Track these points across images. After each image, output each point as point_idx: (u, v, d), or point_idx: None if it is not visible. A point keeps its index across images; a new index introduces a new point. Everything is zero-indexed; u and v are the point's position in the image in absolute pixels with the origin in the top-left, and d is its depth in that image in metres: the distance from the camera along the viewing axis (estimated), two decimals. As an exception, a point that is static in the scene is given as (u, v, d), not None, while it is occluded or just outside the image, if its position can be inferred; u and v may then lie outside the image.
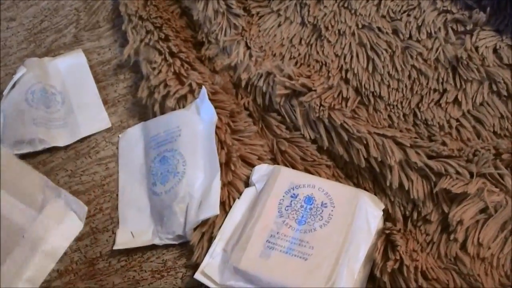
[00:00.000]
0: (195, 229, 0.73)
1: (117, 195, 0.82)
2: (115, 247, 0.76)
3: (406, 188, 0.69)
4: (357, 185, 0.75)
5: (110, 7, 1.04)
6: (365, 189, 0.74)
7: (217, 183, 0.74)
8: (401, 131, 0.74)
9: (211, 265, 0.69)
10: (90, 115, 0.92)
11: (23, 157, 0.87)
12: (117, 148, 0.87)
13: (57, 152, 0.88)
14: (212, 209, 0.73)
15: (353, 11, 0.84)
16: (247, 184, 0.76)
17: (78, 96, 0.94)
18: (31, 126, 0.88)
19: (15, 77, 0.92)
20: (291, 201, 0.71)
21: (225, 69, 0.88)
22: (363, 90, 0.78)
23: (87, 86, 0.95)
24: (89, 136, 0.89)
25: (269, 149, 0.80)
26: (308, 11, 0.87)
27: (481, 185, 0.65)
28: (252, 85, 0.84)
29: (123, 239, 0.77)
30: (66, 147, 0.88)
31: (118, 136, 0.88)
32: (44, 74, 0.94)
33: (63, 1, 1.07)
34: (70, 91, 0.94)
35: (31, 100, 0.90)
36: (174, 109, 0.84)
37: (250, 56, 0.85)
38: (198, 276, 0.69)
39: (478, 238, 0.64)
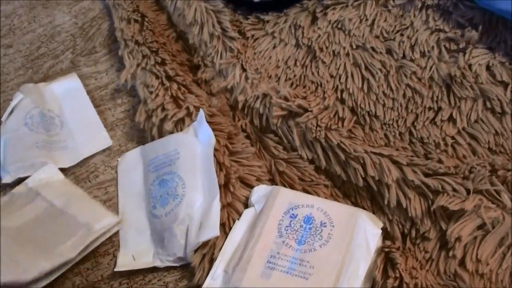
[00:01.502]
0: (196, 251, 0.74)
1: (117, 219, 0.83)
2: (116, 269, 0.76)
3: (404, 206, 0.70)
4: (355, 204, 0.76)
5: (106, 32, 1.05)
6: (363, 208, 0.74)
7: (216, 204, 0.75)
8: (397, 149, 0.75)
9: (212, 286, 0.69)
10: (90, 135, 0.92)
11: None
12: (116, 172, 0.87)
13: (57, 177, 0.88)
14: (212, 230, 0.73)
15: (346, 32, 0.85)
16: (246, 205, 0.76)
17: (77, 118, 0.95)
18: (33, 149, 0.88)
19: (12, 103, 0.92)
20: (291, 221, 0.71)
21: (221, 92, 0.89)
22: (359, 109, 0.79)
23: (84, 107, 0.96)
24: (88, 161, 0.89)
25: (267, 170, 0.81)
26: (302, 33, 0.87)
27: (478, 202, 0.66)
28: (249, 107, 0.85)
29: (124, 261, 0.77)
30: (65, 173, 0.88)
31: (117, 160, 0.88)
32: (40, 99, 0.94)
33: (59, 27, 1.08)
34: (68, 114, 0.95)
35: (30, 124, 0.90)
36: (172, 132, 0.84)
37: (246, 78, 0.86)
38: (199, 298, 0.69)
39: (477, 254, 0.64)
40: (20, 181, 0.87)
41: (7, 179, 0.87)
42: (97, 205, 0.83)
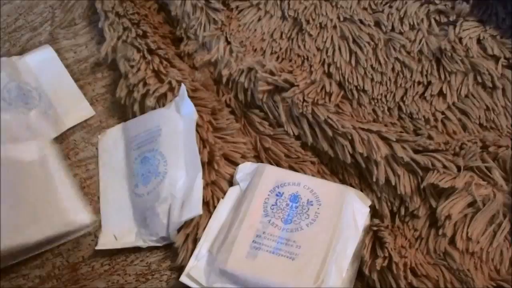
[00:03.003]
0: (179, 230, 0.72)
1: (98, 197, 0.81)
2: (97, 247, 0.75)
3: (393, 183, 0.69)
4: (342, 181, 0.74)
5: (85, 4, 1.02)
6: (351, 185, 0.73)
7: (199, 183, 0.73)
8: (386, 125, 0.74)
9: (196, 267, 0.68)
10: (71, 106, 0.90)
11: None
12: (96, 148, 0.85)
13: (35, 154, 0.86)
14: (195, 209, 0.71)
15: (334, 4, 0.83)
16: (231, 183, 0.75)
17: (55, 90, 0.92)
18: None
19: None
20: (277, 200, 0.69)
21: (205, 65, 0.87)
22: (347, 84, 0.77)
23: (62, 78, 0.93)
24: (67, 137, 0.87)
25: (252, 147, 0.79)
26: (288, 4, 0.85)
27: (468, 179, 0.65)
28: (234, 81, 0.83)
29: (106, 241, 0.76)
30: (44, 149, 0.86)
31: (98, 137, 0.86)
32: (15, 73, 0.92)
33: (37, -2, 1.05)
34: (45, 86, 0.92)
35: (8, 98, 0.88)
36: (154, 108, 0.82)
37: (231, 51, 0.84)
38: (183, 279, 0.68)
39: (467, 233, 0.63)
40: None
41: None
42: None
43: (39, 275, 0.76)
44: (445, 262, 0.63)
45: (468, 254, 0.63)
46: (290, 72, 0.79)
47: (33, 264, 0.77)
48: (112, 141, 0.85)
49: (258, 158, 0.78)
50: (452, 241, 0.64)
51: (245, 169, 0.74)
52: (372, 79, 0.77)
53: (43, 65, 0.95)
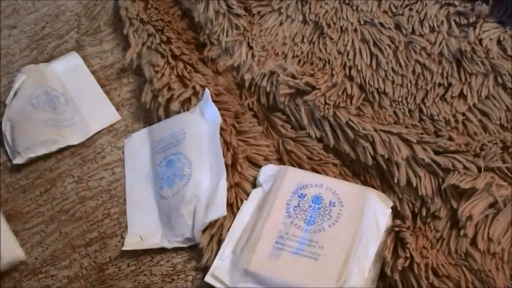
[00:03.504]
0: (204, 231, 0.73)
1: (124, 199, 0.82)
2: (123, 248, 0.76)
3: (414, 184, 0.69)
4: (364, 183, 0.75)
5: (110, 11, 1.04)
6: (372, 186, 0.74)
7: (223, 184, 0.74)
8: (407, 127, 0.74)
9: (221, 267, 0.69)
10: (97, 111, 0.92)
11: (31, 163, 0.88)
12: (122, 152, 0.87)
13: (64, 159, 0.88)
14: (219, 210, 0.73)
15: (354, 7, 0.84)
16: (254, 185, 0.76)
17: (81, 95, 0.94)
18: (42, 128, 0.88)
19: (16, 85, 0.92)
20: (299, 201, 0.70)
21: (228, 70, 0.88)
22: (368, 86, 0.78)
23: (88, 84, 0.95)
24: (94, 141, 0.89)
25: (275, 149, 0.80)
26: (310, 8, 0.86)
27: (489, 180, 0.65)
28: (256, 85, 0.84)
29: (132, 241, 0.77)
30: (72, 153, 0.88)
31: (124, 141, 0.88)
32: (43, 79, 0.94)
33: (63, 7, 1.06)
34: (72, 92, 0.95)
35: (36, 104, 0.90)
36: (178, 112, 0.83)
37: (253, 56, 0.85)
38: (208, 279, 0.69)
39: (488, 233, 0.63)
40: (31, 161, 0.88)
41: (18, 159, 0.87)
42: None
43: (67, 276, 0.78)
44: (467, 263, 0.63)
45: (489, 254, 0.63)
46: (312, 75, 0.80)
47: (61, 264, 0.79)
48: (138, 145, 0.86)
49: (280, 161, 0.79)
50: (473, 242, 0.64)
51: (267, 171, 0.75)
52: (392, 82, 0.77)
53: (69, 71, 0.97)
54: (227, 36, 0.88)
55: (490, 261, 0.63)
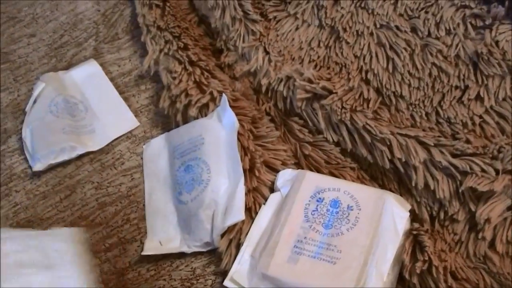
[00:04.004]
0: (222, 236, 0.74)
1: (143, 205, 0.83)
2: (143, 253, 0.77)
3: (432, 188, 0.69)
4: (382, 186, 0.75)
5: (128, 18, 1.05)
6: (390, 190, 0.74)
7: (241, 189, 0.75)
8: (424, 130, 0.74)
9: (239, 271, 0.70)
10: (116, 117, 0.93)
11: (51, 170, 0.89)
12: (141, 158, 0.88)
13: (83, 165, 0.89)
14: (237, 214, 0.73)
15: (370, 11, 0.84)
16: (272, 189, 0.76)
17: (100, 102, 0.95)
18: (61, 135, 0.89)
19: (35, 93, 0.93)
20: (317, 205, 0.71)
21: (244, 75, 0.88)
22: (384, 90, 0.78)
23: (107, 91, 0.96)
24: (113, 148, 0.90)
25: (292, 154, 0.80)
26: (325, 13, 0.86)
27: (507, 182, 0.65)
28: (273, 90, 0.84)
29: (151, 246, 0.78)
30: (91, 160, 0.89)
31: (142, 147, 0.89)
32: (62, 87, 0.95)
33: (81, 15, 1.08)
34: (90, 99, 0.96)
35: (55, 111, 0.91)
36: (196, 118, 0.84)
37: (269, 61, 0.86)
38: (227, 283, 0.69)
39: (507, 236, 0.63)
40: (51, 168, 0.88)
41: (38, 166, 0.88)
42: None
43: (89, 281, 0.78)
44: (485, 266, 0.63)
45: (508, 257, 0.63)
46: (328, 79, 0.80)
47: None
48: (156, 151, 0.87)
49: (298, 165, 0.79)
50: (492, 245, 0.64)
51: (285, 175, 0.76)
52: (409, 85, 0.77)
53: (88, 79, 0.98)
54: (243, 41, 0.89)
55: (509, 264, 0.63)
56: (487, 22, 0.76)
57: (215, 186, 0.77)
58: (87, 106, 0.94)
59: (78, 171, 0.89)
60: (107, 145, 0.91)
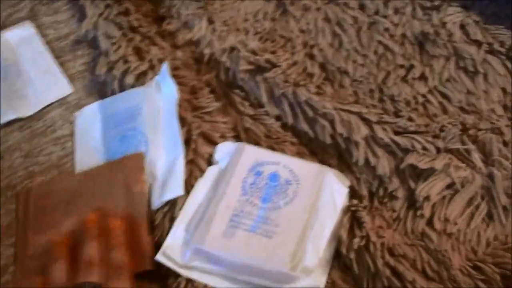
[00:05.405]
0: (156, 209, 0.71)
1: (74, 175, 0.80)
2: None
3: (372, 164, 0.68)
4: (322, 162, 0.74)
5: (67, -20, 1.01)
6: (330, 166, 0.73)
7: (181, 163, 0.72)
8: (367, 107, 0.73)
9: (172, 246, 0.67)
10: (49, 83, 0.90)
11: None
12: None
13: (12, 132, 0.86)
14: (176, 189, 0.71)
15: (318, -14, 0.83)
16: (210, 162, 0.74)
17: (34, 66, 0.92)
18: None
19: None
20: (256, 179, 0.69)
21: (186, 44, 0.86)
22: (329, 65, 0.77)
23: (41, 55, 0.94)
24: (45, 115, 0.87)
25: (232, 127, 0.79)
26: (273, -15, 0.85)
27: (447, 161, 0.65)
28: (215, 61, 0.83)
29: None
30: (21, 126, 0.86)
31: (74, 115, 0.85)
32: (-6, 48, 0.93)
33: (18, -27, 1.04)
34: (24, 63, 0.93)
35: None
36: (133, 86, 0.82)
37: (213, 30, 0.84)
38: (159, 257, 0.67)
39: (445, 214, 0.63)
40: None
41: None
42: None
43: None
44: (423, 243, 0.63)
45: (446, 235, 0.63)
46: (273, 52, 0.79)
47: (10, 242, 0.76)
48: (89, 119, 0.84)
49: (238, 138, 0.77)
50: (430, 222, 0.64)
51: (224, 148, 0.74)
52: (354, 61, 0.77)
53: (23, 41, 0.95)
54: (187, 9, 0.87)
55: (446, 242, 0.63)
56: (435, 3, 0.77)
57: (152, 158, 0.75)
58: (20, 69, 0.91)
59: (6, 138, 0.86)
60: (39, 111, 0.88)
